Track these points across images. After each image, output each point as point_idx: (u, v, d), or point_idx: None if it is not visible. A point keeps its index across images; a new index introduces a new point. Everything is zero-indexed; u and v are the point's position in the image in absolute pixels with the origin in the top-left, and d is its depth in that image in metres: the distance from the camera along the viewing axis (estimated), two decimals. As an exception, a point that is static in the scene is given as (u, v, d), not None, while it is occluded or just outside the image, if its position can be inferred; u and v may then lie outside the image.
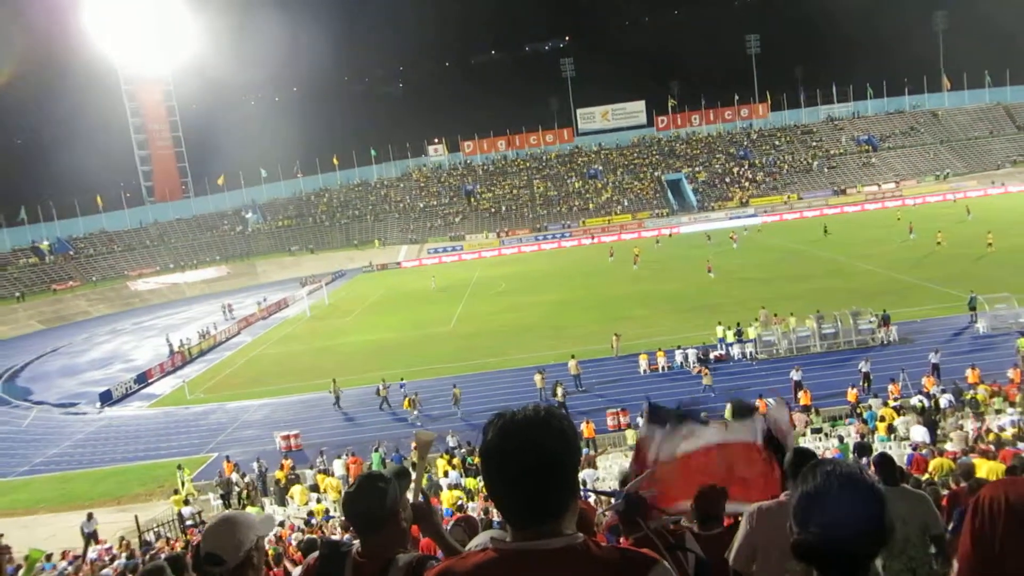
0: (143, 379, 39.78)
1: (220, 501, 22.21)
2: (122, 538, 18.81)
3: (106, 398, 36.41)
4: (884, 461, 6.12)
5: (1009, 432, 17.60)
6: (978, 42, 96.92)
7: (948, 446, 16.42)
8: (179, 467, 23.59)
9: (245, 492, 22.46)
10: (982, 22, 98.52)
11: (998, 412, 20.44)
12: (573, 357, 28.76)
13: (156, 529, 19.70)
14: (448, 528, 6.84)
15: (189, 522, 19.96)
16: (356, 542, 3.18)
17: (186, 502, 21.35)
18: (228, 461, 24.12)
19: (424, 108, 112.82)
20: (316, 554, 3.15)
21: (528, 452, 1.72)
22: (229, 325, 52.41)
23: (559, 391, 26.21)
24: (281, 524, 18.35)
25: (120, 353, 50.33)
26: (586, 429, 23.29)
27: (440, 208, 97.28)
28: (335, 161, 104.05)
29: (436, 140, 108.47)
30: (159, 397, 36.98)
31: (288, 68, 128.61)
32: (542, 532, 1.73)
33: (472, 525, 5.47)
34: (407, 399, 27.99)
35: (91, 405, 36.26)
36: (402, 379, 30.02)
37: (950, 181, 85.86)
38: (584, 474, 19.53)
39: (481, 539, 4.34)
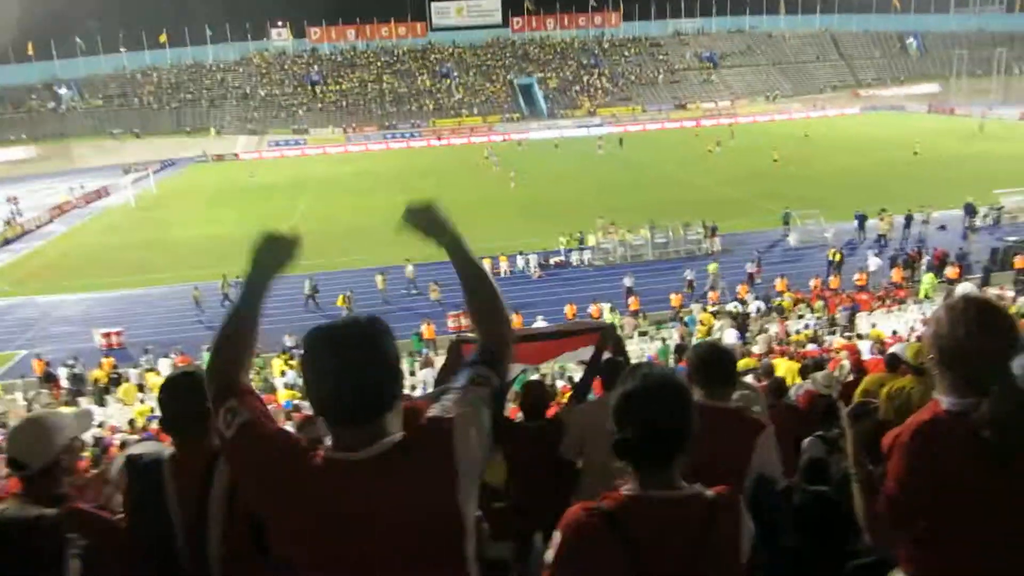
0: (-65, 270, 35.63)
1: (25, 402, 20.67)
2: None
3: None
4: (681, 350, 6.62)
5: (802, 334, 19.67)
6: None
7: (754, 348, 18.08)
8: (-19, 366, 21.66)
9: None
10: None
11: (800, 317, 22.71)
12: (408, 260, 28.40)
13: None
14: (299, 425, 6.73)
15: (-7, 424, 18.50)
16: (165, 449, 3.02)
17: (-12, 403, 19.72)
18: (39, 359, 22.36)
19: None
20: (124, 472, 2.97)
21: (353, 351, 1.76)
22: (20, 220, 45.78)
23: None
24: (101, 425, 17.44)
25: (-95, 240, 44.55)
26: (426, 330, 23.54)
27: (283, 98, 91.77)
28: (163, 39, 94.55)
29: (279, 23, 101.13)
30: (-45, 290, 33.35)
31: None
32: (369, 432, 1.76)
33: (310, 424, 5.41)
34: (342, 296, 26.34)
35: None
36: (237, 277, 28.67)
37: (779, 102, 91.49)
38: (422, 374, 19.89)
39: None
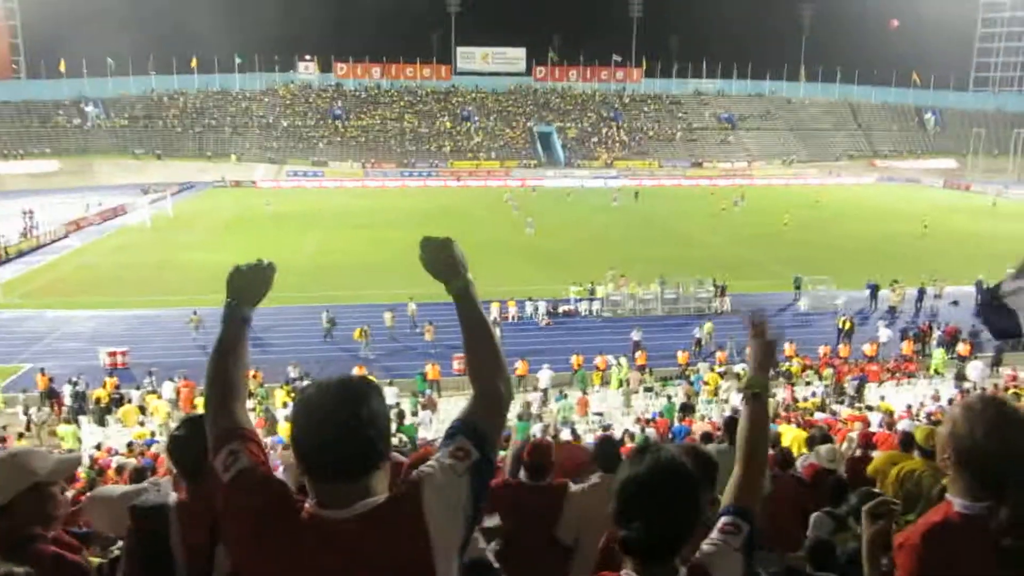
0: (-52, 276, 35.86)
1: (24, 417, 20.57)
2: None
3: (-99, 293, 32.58)
4: (731, 422, 6.53)
5: (810, 402, 19.48)
6: (836, 40, 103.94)
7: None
8: (-15, 376, 21.62)
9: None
10: (843, 21, 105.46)
11: (808, 384, 22.53)
12: (411, 299, 28.40)
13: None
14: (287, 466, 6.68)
15: (-9, 436, 18.42)
16: (171, 493, 2.98)
17: (-11, 415, 19.65)
18: (43, 373, 22.29)
19: (298, 20, 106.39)
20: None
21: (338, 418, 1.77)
22: (36, 233, 46.01)
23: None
24: (98, 447, 17.33)
25: (-78, 245, 44.90)
26: (431, 371, 23.44)
27: (304, 129, 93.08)
28: (194, 64, 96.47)
29: (308, 57, 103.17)
30: (-34, 298, 33.51)
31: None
32: (352, 490, 1.76)
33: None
34: (359, 329, 26.26)
35: None
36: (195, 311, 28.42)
37: (794, 167, 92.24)
38: (423, 415, 19.74)
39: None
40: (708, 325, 26.88)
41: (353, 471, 1.76)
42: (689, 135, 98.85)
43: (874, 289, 31.26)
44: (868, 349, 25.44)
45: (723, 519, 2.05)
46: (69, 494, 3.75)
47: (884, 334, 26.31)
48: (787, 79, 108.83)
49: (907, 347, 25.83)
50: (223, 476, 1.88)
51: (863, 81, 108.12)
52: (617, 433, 16.69)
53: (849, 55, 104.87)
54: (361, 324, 26.70)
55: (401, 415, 19.51)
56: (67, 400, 21.45)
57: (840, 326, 26.99)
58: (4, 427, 19.23)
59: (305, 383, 22.15)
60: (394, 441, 11.57)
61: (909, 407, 17.02)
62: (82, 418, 20.72)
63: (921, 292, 30.64)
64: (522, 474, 5.05)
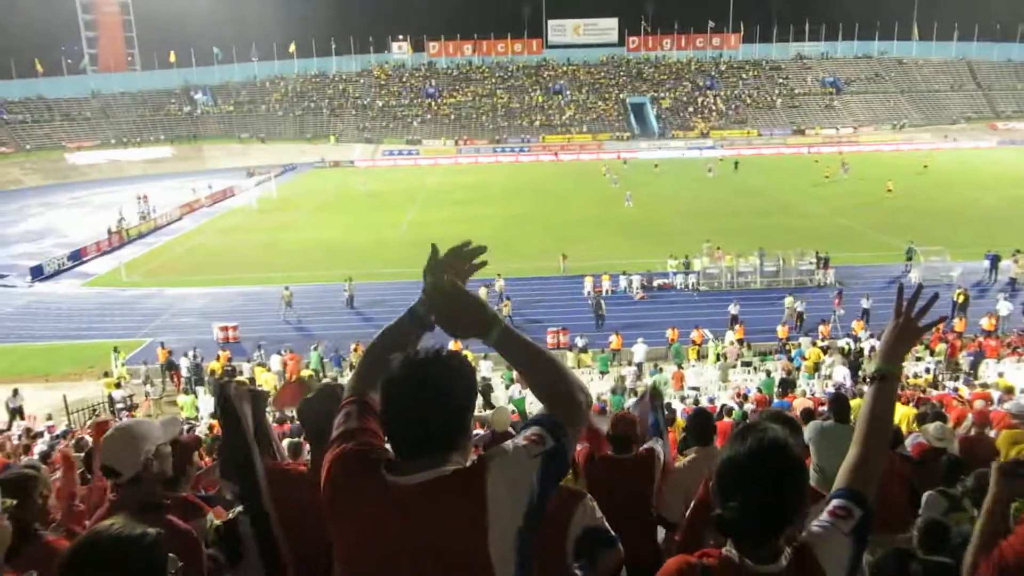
0: (77, 256, 38.62)
1: (159, 386, 22.05)
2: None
3: (37, 273, 35.33)
4: (838, 399, 6.34)
5: (923, 379, 18.52)
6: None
7: (866, 388, 17.16)
8: (115, 350, 23.19)
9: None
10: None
11: (918, 359, 21.43)
12: (499, 275, 28.35)
13: (84, 410, 19.53)
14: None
15: (120, 405, 19.85)
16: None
17: (118, 385, 21.13)
18: (163, 347, 23.82)
19: (391, 1, 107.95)
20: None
21: (422, 389, 1.82)
22: (153, 216, 48.90)
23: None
24: (213, 415, 18.36)
25: (54, 228, 48.53)
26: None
27: (399, 109, 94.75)
28: (292, 49, 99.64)
29: (401, 37, 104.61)
30: (94, 276, 36.04)
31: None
32: (433, 462, 1.82)
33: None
34: None
35: (21, 278, 35.17)
36: (350, 278, 29.66)
37: (906, 132, 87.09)
38: (514, 388, 19.92)
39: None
40: (789, 299, 25.84)
41: (432, 447, 1.82)
42: (790, 101, 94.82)
43: (994, 260, 29.32)
44: (986, 323, 23.93)
45: (834, 501, 2.01)
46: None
47: (1004, 307, 24.65)
48: (898, 38, 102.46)
49: (1030, 321, 24.16)
50: (334, 431, 2.00)
51: (983, 37, 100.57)
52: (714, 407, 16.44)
53: (967, 9, 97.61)
54: None
55: (488, 389, 19.75)
56: (184, 372, 22.82)
57: (955, 299, 25.49)
58: (131, 396, 20.70)
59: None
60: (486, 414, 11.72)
61: (1032, 384, 15.91)
62: (199, 389, 22.00)
63: (1047, 263, 28.53)
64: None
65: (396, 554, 1.75)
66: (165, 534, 1.93)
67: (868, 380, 2.19)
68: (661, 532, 4.82)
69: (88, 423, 16.96)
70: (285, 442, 6.95)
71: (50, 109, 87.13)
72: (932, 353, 21.86)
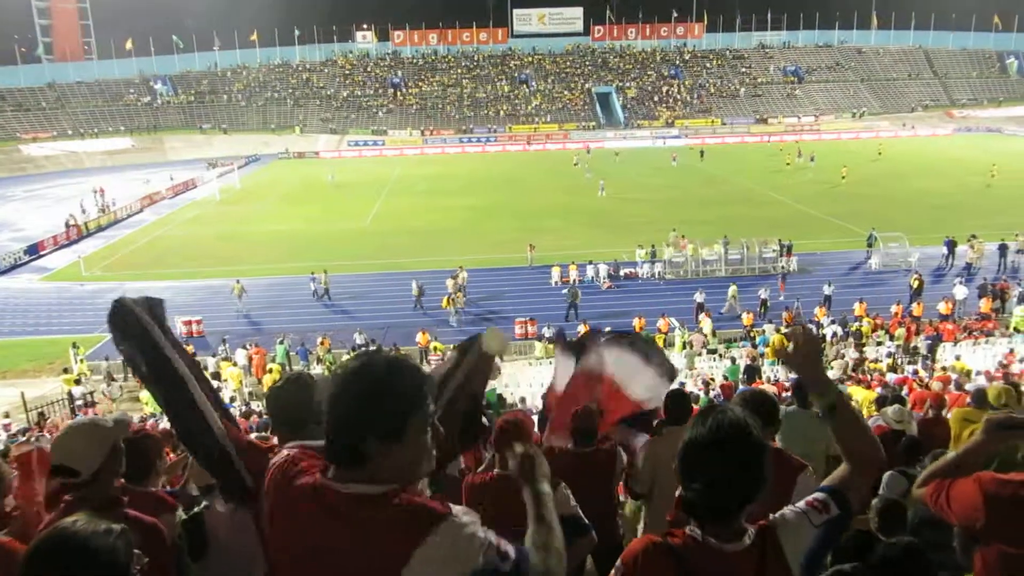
0: (34, 251, 37.70)
1: (115, 384, 21.63)
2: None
3: (-7, 268, 34.51)
4: (800, 385, 6.47)
5: (884, 363, 18.94)
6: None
7: (829, 373, 17.48)
8: (74, 345, 22.74)
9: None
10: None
11: (879, 344, 21.90)
12: (462, 268, 28.54)
13: (43, 408, 19.11)
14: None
15: (79, 402, 19.50)
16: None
17: (77, 382, 20.73)
18: (125, 343, 23.34)
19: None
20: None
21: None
22: (113, 209, 47.67)
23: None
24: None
25: (9, 221, 47.28)
26: (494, 335, 23.65)
27: (364, 99, 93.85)
28: (255, 37, 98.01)
29: (365, 26, 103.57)
30: (52, 271, 35.23)
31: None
32: (355, 476, 1.77)
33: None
34: (447, 297, 26.56)
35: (-24, 275, 34.29)
36: (312, 272, 29.46)
37: (865, 120, 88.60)
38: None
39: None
40: (732, 288, 26.25)
41: (344, 457, 1.78)
42: (753, 90, 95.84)
43: (951, 245, 30.01)
44: (943, 307, 24.52)
45: (817, 494, 2.04)
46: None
47: (960, 291, 25.30)
48: (857, 28, 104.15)
49: (985, 305, 24.79)
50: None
51: (939, 26, 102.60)
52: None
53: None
54: (447, 293, 26.99)
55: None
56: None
57: (912, 284, 26.08)
58: (92, 393, 20.33)
59: (371, 348, 22.69)
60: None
61: (986, 370, 16.34)
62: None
63: (1003, 248, 29.26)
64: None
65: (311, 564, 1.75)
66: (129, 529, 1.91)
67: (821, 415, 2.23)
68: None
69: (14, 447, 16.67)
70: (253, 435, 6.88)
71: (3, 99, 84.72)
72: (891, 338, 22.36)
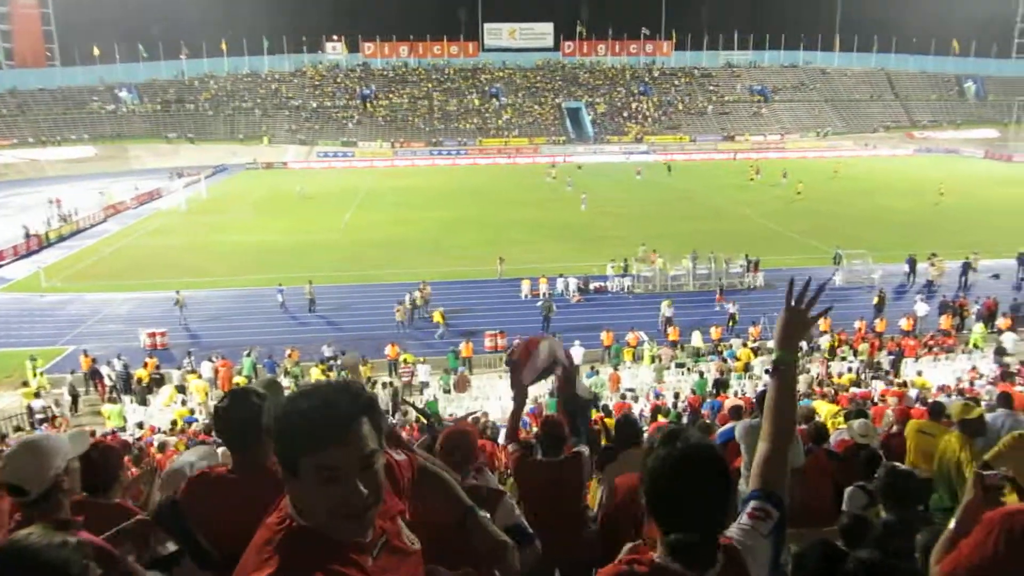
0: (-8, 261, 36.86)
1: (69, 399, 21.14)
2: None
3: (-51, 278, 33.61)
4: (763, 398, 6.55)
5: (845, 377, 19.26)
6: (872, 7, 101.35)
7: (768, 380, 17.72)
8: (31, 358, 22.22)
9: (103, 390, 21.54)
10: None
11: (842, 359, 22.28)
12: (425, 282, 28.65)
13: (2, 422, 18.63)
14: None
15: (40, 416, 19.03)
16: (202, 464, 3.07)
17: (36, 395, 20.25)
18: (86, 355, 22.91)
19: (325, 0, 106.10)
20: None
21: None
22: (75, 218, 46.54)
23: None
24: (140, 425, 17.80)
25: (-34, 231, 46.12)
26: (465, 349, 23.65)
27: (334, 110, 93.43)
28: (223, 46, 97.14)
29: (335, 37, 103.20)
30: (10, 282, 34.42)
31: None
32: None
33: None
34: (438, 311, 26.43)
35: (-69, 284, 33.37)
36: (279, 284, 29.17)
37: (829, 139, 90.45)
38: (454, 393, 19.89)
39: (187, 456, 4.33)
40: (666, 302, 26.49)
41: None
42: (721, 108, 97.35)
43: (912, 263, 30.67)
44: (905, 324, 25.05)
45: (752, 503, 2.02)
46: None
47: (921, 308, 25.87)
48: (821, 49, 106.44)
49: (945, 322, 25.38)
50: None
51: (900, 49, 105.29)
52: (640, 410, 16.80)
53: (886, 23, 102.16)
54: (440, 307, 26.97)
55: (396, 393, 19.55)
56: (108, 380, 22.00)
57: (875, 301, 26.61)
58: (51, 406, 19.86)
59: (339, 361, 22.55)
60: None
61: (946, 385, 16.70)
62: (125, 398, 21.26)
63: (966, 266, 29.86)
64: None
65: None
66: (85, 543, 1.88)
67: (768, 372, 2.27)
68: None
69: None
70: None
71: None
72: (855, 353, 22.76)
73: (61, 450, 2.76)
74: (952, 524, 2.66)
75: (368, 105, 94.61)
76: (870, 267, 31.14)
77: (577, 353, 22.85)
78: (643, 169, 64.95)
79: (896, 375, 19.97)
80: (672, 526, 1.88)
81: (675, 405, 17.04)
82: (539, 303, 27.54)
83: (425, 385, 22.00)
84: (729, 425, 7.43)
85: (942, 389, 15.61)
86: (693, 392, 18.95)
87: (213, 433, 14.24)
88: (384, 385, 19.96)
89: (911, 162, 76.15)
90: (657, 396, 18.73)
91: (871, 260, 31.52)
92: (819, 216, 44.00)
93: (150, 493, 4.56)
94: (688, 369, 22.64)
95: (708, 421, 11.90)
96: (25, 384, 20.93)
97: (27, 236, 40.71)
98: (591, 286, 30.54)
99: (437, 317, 26.47)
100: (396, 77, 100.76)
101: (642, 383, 21.61)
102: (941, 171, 61.82)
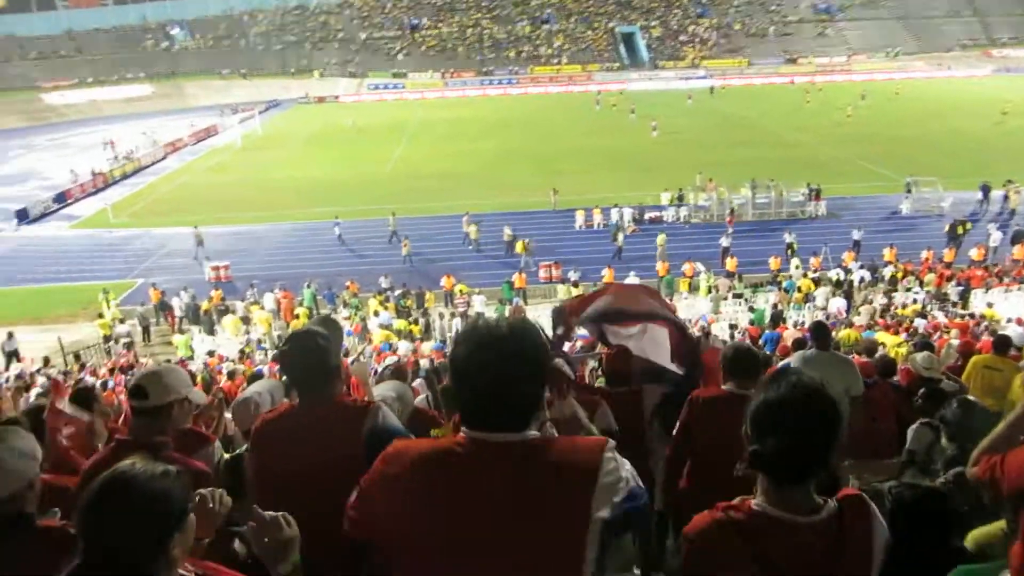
0: (62, 199, 38.10)
1: (141, 330, 22.04)
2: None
3: (22, 216, 34.91)
4: (819, 327, 6.45)
5: (910, 309, 18.75)
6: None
7: (856, 319, 17.38)
8: (104, 291, 23.13)
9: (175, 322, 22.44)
10: None
11: (908, 290, 21.66)
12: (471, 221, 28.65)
13: (81, 352, 19.60)
14: (380, 372, 6.98)
15: (126, 339, 20.08)
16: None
17: (119, 322, 21.23)
18: (155, 288, 23.75)
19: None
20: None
21: (499, 366, 1.75)
22: (136, 156, 47.75)
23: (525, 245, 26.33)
24: (210, 354, 18.49)
25: (35, 170, 47.66)
26: (518, 280, 23.74)
27: (383, 41, 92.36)
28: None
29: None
30: (80, 219, 35.66)
31: None
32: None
33: (402, 373, 5.61)
34: (521, 242, 26.42)
35: (6, 222, 34.76)
36: (336, 217, 29.54)
37: (899, 59, 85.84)
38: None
39: (383, 390, 4.53)
40: (661, 237, 25.83)
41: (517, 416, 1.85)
42: (783, 29, 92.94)
43: (986, 190, 29.32)
44: (975, 253, 24.12)
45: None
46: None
47: (994, 237, 24.82)
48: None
49: (1019, 252, 24.32)
50: None
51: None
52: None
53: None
54: (524, 237, 26.79)
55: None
56: (178, 312, 22.83)
57: (956, 230, 25.45)
58: (129, 334, 20.79)
59: (397, 292, 22.96)
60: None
61: (1018, 318, 16.03)
62: (193, 328, 22.06)
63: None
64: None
65: None
66: (185, 471, 1.96)
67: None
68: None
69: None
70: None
71: (22, 47, 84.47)
72: (921, 284, 22.08)
73: (188, 385, 3.10)
74: (1000, 427, 2.58)
75: (416, 35, 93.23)
76: (940, 194, 29.92)
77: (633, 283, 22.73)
78: (693, 95, 63.07)
79: (964, 306, 19.36)
80: (775, 468, 1.85)
81: (732, 336, 16.87)
82: (610, 232, 27.27)
83: (480, 316, 22.24)
84: (787, 360, 7.34)
85: (1013, 322, 15.06)
86: (751, 323, 18.72)
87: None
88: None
89: (987, 83, 71.90)
90: (705, 325, 18.40)
91: (941, 187, 30.26)
92: (884, 141, 42.19)
93: (219, 419, 4.80)
94: (746, 300, 22.30)
95: (767, 352, 11.78)
96: (100, 316, 21.85)
97: (94, 174, 41.87)
98: (646, 216, 30.10)
99: (520, 248, 26.29)
100: (444, 5, 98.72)
101: (698, 313, 21.42)
102: (1019, 92, 58.28)
